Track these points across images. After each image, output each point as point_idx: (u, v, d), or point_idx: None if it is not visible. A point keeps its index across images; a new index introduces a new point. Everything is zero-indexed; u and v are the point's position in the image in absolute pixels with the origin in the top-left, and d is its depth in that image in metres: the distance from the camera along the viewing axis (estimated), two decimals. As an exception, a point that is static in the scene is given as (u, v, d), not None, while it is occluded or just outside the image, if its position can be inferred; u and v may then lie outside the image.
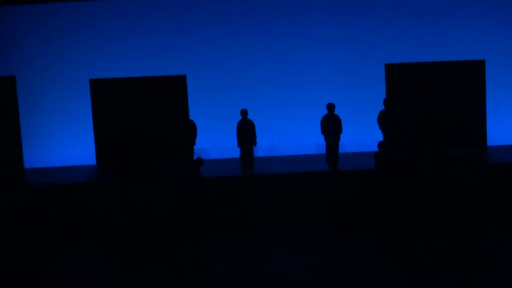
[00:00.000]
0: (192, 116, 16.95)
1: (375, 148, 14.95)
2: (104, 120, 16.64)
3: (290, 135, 18.61)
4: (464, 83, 16.52)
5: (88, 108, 17.10)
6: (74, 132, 18.50)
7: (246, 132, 16.22)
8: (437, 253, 12.33)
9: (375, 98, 17.19)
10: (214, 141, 18.57)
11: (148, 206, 15.03)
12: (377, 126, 16.33)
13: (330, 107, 16.02)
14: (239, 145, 16.32)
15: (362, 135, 17.98)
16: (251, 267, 12.21)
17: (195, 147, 16.79)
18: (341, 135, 16.09)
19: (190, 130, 16.54)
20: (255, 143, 16.36)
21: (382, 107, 16.29)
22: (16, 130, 16.77)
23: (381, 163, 14.30)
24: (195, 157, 16.27)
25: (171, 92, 16.65)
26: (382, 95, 16.62)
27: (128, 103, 16.65)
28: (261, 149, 18.16)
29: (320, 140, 16.58)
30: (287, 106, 18.66)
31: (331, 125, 15.96)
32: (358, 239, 13.56)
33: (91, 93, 16.67)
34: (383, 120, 16.14)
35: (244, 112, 16.32)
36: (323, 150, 16.77)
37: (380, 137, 16.33)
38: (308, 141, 18.35)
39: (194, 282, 11.56)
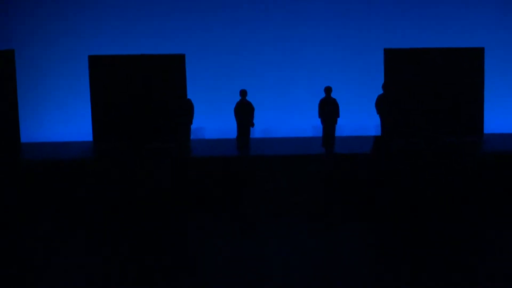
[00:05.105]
0: (190, 95, 16.94)
1: (372, 132, 14.98)
2: (101, 97, 16.64)
3: (287, 117, 18.62)
4: (463, 70, 16.51)
5: (86, 84, 17.09)
6: (71, 108, 18.52)
7: (244, 113, 16.19)
8: (432, 244, 12.28)
9: (374, 83, 17.19)
10: (211, 121, 18.58)
11: (142, 185, 15.07)
12: (374, 111, 16.34)
13: (328, 90, 16.02)
14: (237, 125, 16.29)
15: (359, 119, 18.00)
16: (243, 257, 11.58)
17: (192, 126, 16.82)
18: (338, 118, 16.10)
19: (188, 109, 16.55)
20: (252, 125, 16.31)
21: (380, 91, 16.30)
22: (13, 104, 16.76)
23: (376, 147, 14.36)
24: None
25: (169, 71, 16.61)
26: (381, 79, 16.60)
27: (127, 81, 16.62)
28: (257, 130, 18.15)
29: (317, 123, 16.58)
30: (285, 88, 18.67)
31: (328, 108, 15.96)
32: (354, 226, 13.48)
33: (90, 70, 16.63)
34: (381, 104, 16.15)
35: (243, 93, 16.24)
36: (320, 133, 16.76)
37: (377, 121, 16.35)
38: (305, 123, 18.37)
39: (183, 275, 10.85)
